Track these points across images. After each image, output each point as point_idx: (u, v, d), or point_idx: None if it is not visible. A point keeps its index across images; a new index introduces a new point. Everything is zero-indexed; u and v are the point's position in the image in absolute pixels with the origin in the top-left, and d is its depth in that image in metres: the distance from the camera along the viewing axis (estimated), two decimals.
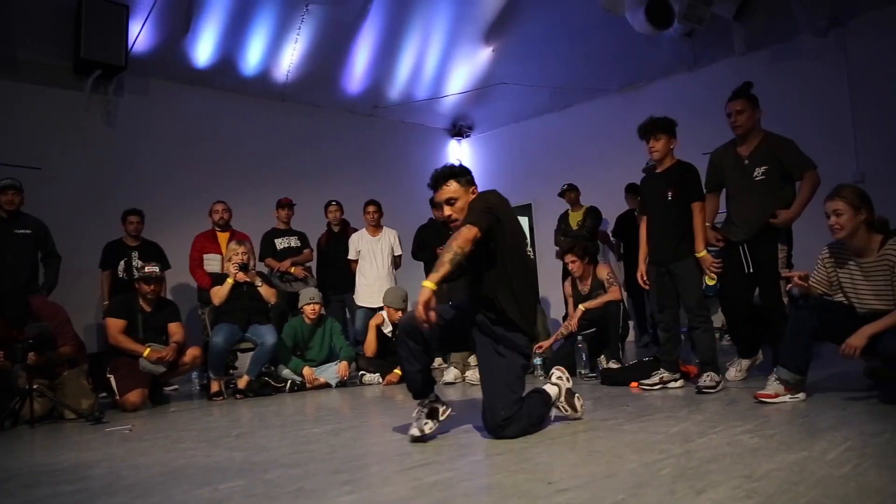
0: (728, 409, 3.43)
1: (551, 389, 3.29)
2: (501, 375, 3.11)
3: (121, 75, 7.68)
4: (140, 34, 7.56)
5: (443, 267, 2.86)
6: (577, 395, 3.38)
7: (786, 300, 4.15)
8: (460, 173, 3.18)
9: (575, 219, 7.77)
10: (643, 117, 4.48)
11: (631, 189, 7.83)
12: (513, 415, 2.98)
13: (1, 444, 3.94)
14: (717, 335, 5.42)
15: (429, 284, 2.84)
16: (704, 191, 4.37)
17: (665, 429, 2.94)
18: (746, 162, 4.38)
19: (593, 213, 7.80)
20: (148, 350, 5.21)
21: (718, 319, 7.36)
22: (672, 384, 4.37)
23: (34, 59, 7.25)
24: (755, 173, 4.33)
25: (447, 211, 3.14)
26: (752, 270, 4.37)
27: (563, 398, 3.32)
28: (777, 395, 3.45)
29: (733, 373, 4.49)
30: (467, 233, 2.93)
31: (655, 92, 8.87)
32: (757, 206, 4.32)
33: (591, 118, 9.61)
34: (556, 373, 3.44)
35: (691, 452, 2.47)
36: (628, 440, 2.78)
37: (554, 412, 3.36)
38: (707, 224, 4.41)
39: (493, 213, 3.04)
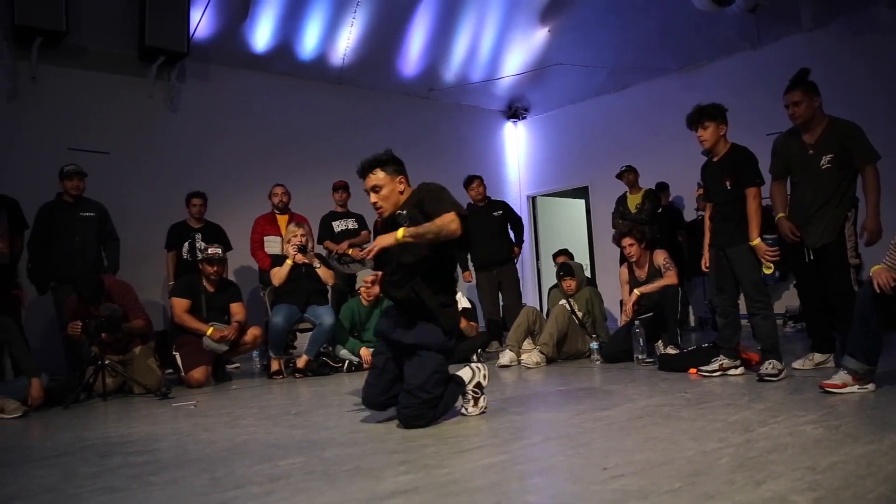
0: (791, 399, 3.34)
1: (465, 373, 3.34)
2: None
3: (183, 61, 7.87)
4: (201, 21, 7.72)
5: (421, 230, 3.00)
6: (484, 396, 3.38)
7: (856, 288, 4.02)
8: (387, 162, 3.29)
9: (633, 202, 7.66)
10: (704, 98, 4.37)
11: (468, 182, 7.51)
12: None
13: (77, 415, 4.15)
14: (778, 322, 5.27)
15: (400, 234, 3.01)
16: (762, 177, 4.23)
17: (724, 417, 2.89)
18: (811, 151, 4.24)
19: (653, 196, 7.68)
20: (211, 329, 5.37)
21: (781, 306, 7.19)
22: (732, 371, 4.28)
23: (101, 47, 7.48)
24: (821, 162, 4.19)
25: (372, 198, 3.25)
26: (812, 259, 4.25)
27: (471, 386, 3.32)
28: (844, 386, 3.33)
29: (801, 363, 4.35)
30: (452, 223, 3.00)
31: (717, 71, 8.62)
32: (822, 195, 4.19)
33: (650, 99, 9.41)
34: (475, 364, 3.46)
35: (751, 442, 2.42)
36: (686, 427, 2.74)
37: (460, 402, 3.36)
38: (781, 214, 4.32)
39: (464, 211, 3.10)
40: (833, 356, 4.33)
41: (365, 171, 3.29)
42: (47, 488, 2.35)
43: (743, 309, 4.31)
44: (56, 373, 5.24)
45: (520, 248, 7.56)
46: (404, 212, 3.17)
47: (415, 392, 3.05)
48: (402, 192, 3.28)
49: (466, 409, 3.30)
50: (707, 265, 4.46)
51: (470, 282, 7.33)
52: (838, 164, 4.14)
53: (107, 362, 4.73)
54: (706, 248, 4.48)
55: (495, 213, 7.34)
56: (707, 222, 4.48)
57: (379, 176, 3.25)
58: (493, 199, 7.65)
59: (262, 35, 8.36)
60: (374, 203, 3.26)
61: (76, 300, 5.03)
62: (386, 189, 3.25)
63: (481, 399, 3.34)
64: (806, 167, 4.26)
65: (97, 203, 6.03)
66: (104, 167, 7.02)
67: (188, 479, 2.34)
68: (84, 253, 5.76)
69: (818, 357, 4.35)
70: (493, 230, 7.26)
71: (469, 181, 7.37)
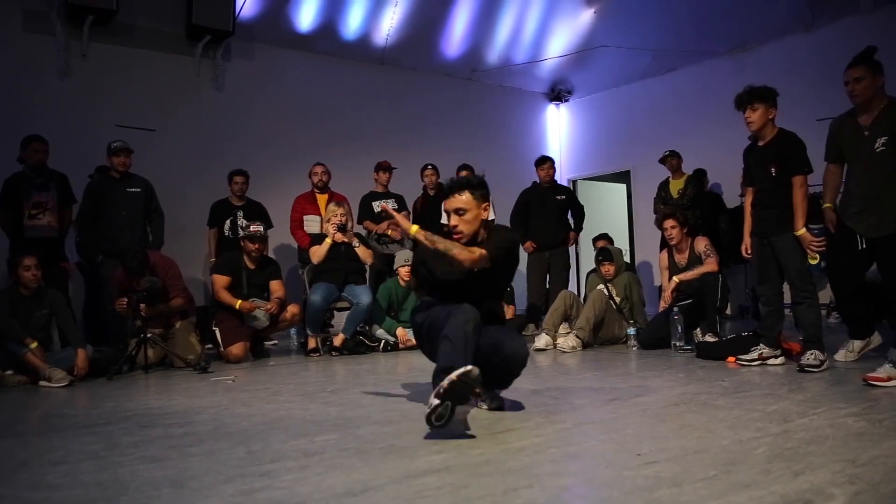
0: (832, 390, 3.27)
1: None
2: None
3: (228, 40, 7.96)
4: (247, 0, 7.77)
5: (442, 244, 2.97)
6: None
7: None
8: (478, 186, 3.09)
9: (676, 187, 7.54)
10: (754, 81, 4.25)
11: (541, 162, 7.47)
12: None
13: (119, 387, 4.27)
14: (823, 312, 5.14)
15: (414, 229, 3.01)
16: (810, 165, 4.10)
17: (762, 406, 2.84)
18: (867, 133, 4.03)
19: (695, 182, 7.54)
20: (239, 302, 5.47)
21: (825, 296, 7.01)
22: (772, 361, 4.19)
23: (149, 25, 7.60)
24: (876, 145, 4.00)
25: (454, 220, 3.06)
26: (864, 247, 4.10)
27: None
28: (889, 379, 3.24)
29: (843, 354, 4.25)
30: (480, 259, 2.97)
31: (767, 54, 8.38)
32: (876, 180, 4.00)
33: (697, 83, 9.20)
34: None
35: (790, 433, 2.38)
36: (722, 416, 2.71)
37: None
38: (828, 205, 4.19)
39: (513, 255, 3.18)
40: (872, 336, 4.24)
41: (452, 190, 3.08)
42: (91, 455, 2.42)
43: (787, 298, 4.22)
44: (99, 345, 5.38)
45: (577, 234, 7.53)
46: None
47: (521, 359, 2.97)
48: (484, 219, 3.12)
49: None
50: (748, 252, 4.37)
51: (530, 252, 7.28)
52: (894, 147, 3.94)
53: (149, 335, 4.85)
54: (746, 233, 4.37)
55: (558, 198, 7.33)
56: (748, 208, 4.36)
57: (465, 198, 3.05)
58: (558, 182, 7.62)
59: (306, 14, 8.40)
60: (455, 226, 3.05)
61: (122, 274, 5.16)
62: (470, 214, 3.05)
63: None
64: (860, 150, 4.07)
65: (143, 178, 6.14)
66: (150, 144, 7.15)
67: (225, 452, 2.39)
68: (131, 228, 5.87)
69: (857, 344, 4.25)
70: (553, 213, 7.25)
71: (541, 161, 7.40)
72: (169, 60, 7.74)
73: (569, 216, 7.43)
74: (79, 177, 5.99)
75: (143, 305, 4.86)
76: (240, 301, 5.48)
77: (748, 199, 4.39)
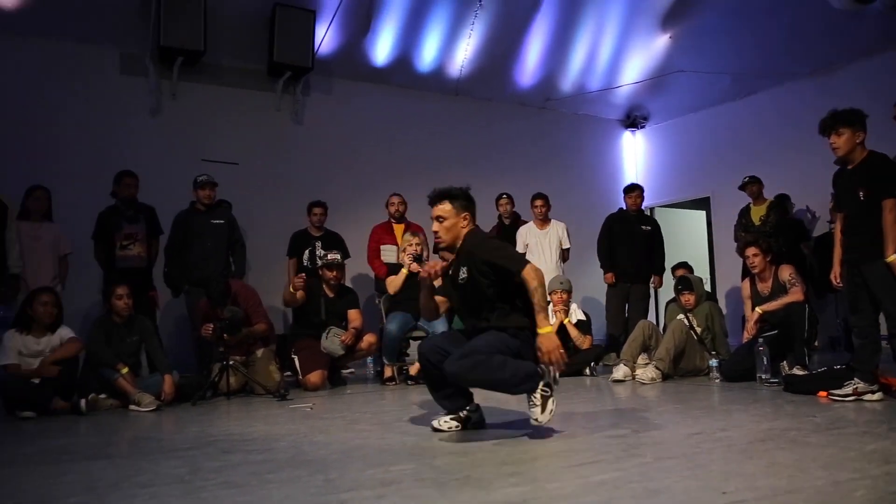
0: None
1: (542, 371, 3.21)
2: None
3: (307, 76, 8.20)
4: (325, 37, 8.03)
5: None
6: (553, 398, 3.18)
7: None
8: (458, 196, 3.39)
9: (757, 213, 7.30)
10: (838, 104, 4.10)
11: (630, 189, 7.35)
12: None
13: (203, 412, 4.40)
14: None
15: (546, 329, 3.10)
16: None
17: (859, 446, 2.68)
18: None
19: (778, 208, 7.29)
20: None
21: None
22: (868, 396, 3.96)
23: (234, 64, 7.94)
24: None
25: (434, 227, 3.39)
26: None
27: (541, 386, 3.14)
28: None
29: None
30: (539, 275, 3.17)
31: (854, 75, 8.03)
32: None
33: (778, 106, 8.91)
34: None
35: (892, 475, 2.24)
36: (815, 455, 2.57)
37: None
38: None
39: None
40: None
41: (434, 200, 3.42)
42: (177, 479, 2.50)
43: (883, 329, 4.00)
44: (184, 371, 5.57)
45: (661, 277, 7.38)
46: (464, 273, 3.31)
47: (468, 351, 3.08)
48: (464, 228, 3.39)
49: (535, 416, 3.11)
50: (838, 280, 4.17)
51: (610, 283, 7.19)
52: None
53: (231, 363, 4.99)
54: (836, 261, 4.19)
55: (644, 227, 7.23)
56: (837, 234, 4.18)
57: (446, 208, 3.37)
58: (644, 212, 7.53)
59: (382, 48, 8.60)
60: (435, 232, 3.40)
61: (206, 303, 5.34)
62: (449, 221, 3.36)
63: (550, 401, 3.15)
64: None
65: (227, 211, 6.37)
66: (233, 177, 7.42)
67: (304, 479, 2.42)
68: (215, 258, 6.08)
69: None
70: (639, 243, 7.16)
71: (630, 189, 7.38)
72: (252, 97, 8.05)
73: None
74: (168, 210, 6.26)
75: (225, 335, 5.01)
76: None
77: (838, 226, 4.22)
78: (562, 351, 3.08)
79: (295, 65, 7.90)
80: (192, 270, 5.98)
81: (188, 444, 3.21)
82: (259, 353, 5.38)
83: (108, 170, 6.18)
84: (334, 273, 5.77)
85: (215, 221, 6.17)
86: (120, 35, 7.33)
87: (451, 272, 3.42)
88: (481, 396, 3.42)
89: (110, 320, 4.92)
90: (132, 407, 4.53)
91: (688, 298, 5.74)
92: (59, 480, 2.58)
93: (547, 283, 6.49)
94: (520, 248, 7.06)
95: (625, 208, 7.38)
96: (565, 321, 6.16)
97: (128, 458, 3.05)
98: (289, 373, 5.75)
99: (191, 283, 5.96)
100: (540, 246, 7.02)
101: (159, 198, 6.36)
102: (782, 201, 7.64)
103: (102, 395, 4.59)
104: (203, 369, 5.43)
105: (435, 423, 3.35)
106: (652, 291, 10.13)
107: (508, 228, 7.36)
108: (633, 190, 7.32)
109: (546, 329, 3.08)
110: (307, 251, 6.92)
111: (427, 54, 8.87)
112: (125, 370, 4.65)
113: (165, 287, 6.27)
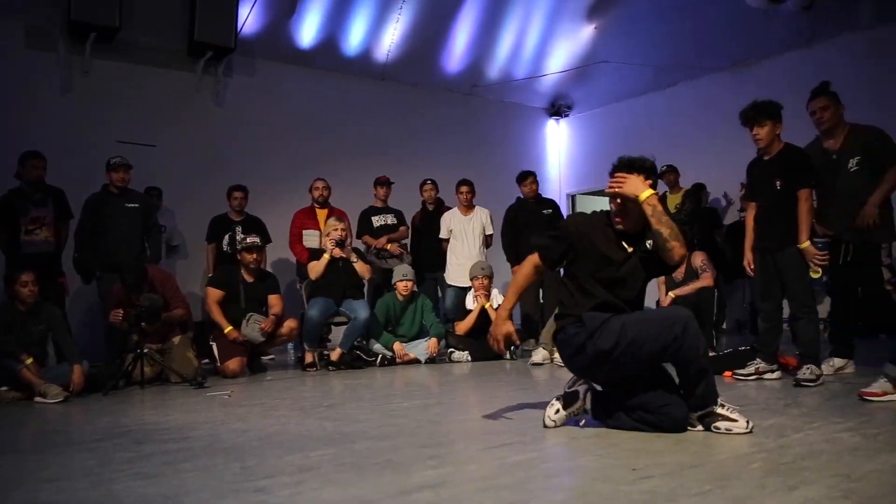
0: (828, 405, 3.27)
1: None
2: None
3: (230, 56, 8.00)
4: (249, 16, 7.83)
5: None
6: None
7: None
8: (651, 170, 2.96)
9: (673, 201, 7.55)
10: (755, 97, 4.28)
11: (523, 177, 7.37)
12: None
13: (115, 402, 4.25)
14: (821, 327, 5.16)
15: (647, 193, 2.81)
16: (817, 178, 4.17)
17: (758, 421, 2.82)
18: (835, 157, 4.32)
19: (693, 197, 7.55)
20: (229, 328, 5.46)
21: (823, 310, 7.00)
22: (769, 375, 4.19)
23: (152, 42, 7.64)
24: (849, 165, 4.26)
25: (618, 207, 2.90)
26: (849, 259, 4.26)
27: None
28: (884, 394, 3.24)
29: (825, 369, 4.27)
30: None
31: (768, 70, 8.38)
32: (850, 199, 4.24)
33: (697, 98, 9.22)
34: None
35: (785, 448, 2.37)
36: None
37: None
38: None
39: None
40: (851, 362, 4.39)
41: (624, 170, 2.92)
42: (86, 472, 2.41)
43: (786, 312, 4.22)
44: (95, 360, 5.37)
45: None
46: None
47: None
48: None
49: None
50: (751, 267, 4.37)
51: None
52: (864, 168, 4.25)
53: (146, 351, 4.84)
54: (748, 249, 4.38)
55: (545, 211, 7.29)
56: (750, 223, 4.38)
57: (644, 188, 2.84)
58: (542, 196, 7.60)
59: (308, 30, 8.45)
60: (620, 219, 2.89)
61: (121, 289, 5.16)
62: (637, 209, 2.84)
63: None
64: (830, 174, 4.32)
65: (141, 194, 6.15)
66: (150, 160, 7.17)
67: (220, 468, 2.38)
68: (129, 243, 5.87)
69: (838, 362, 4.36)
70: (541, 228, 7.21)
71: (524, 176, 7.32)
72: (170, 76, 7.78)
73: None
74: (79, 193, 5.99)
75: (143, 323, 4.86)
76: (229, 328, 5.47)
77: (750, 214, 4.41)
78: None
79: (217, 45, 7.68)
80: (104, 256, 5.76)
81: (99, 436, 3.10)
82: (176, 340, 5.24)
83: (14, 150, 5.84)
84: (254, 256, 5.68)
85: (129, 205, 5.95)
86: (25, 6, 6.95)
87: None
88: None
89: (13, 307, 4.68)
90: (37, 399, 4.32)
91: None
92: None
93: (469, 269, 6.59)
94: (443, 234, 7.08)
95: (522, 197, 7.34)
96: (486, 306, 6.24)
97: (32, 453, 2.92)
98: (206, 360, 5.63)
99: (103, 268, 5.74)
100: (464, 232, 7.05)
101: (70, 180, 6.09)
102: (697, 190, 7.91)
103: (4, 388, 4.37)
104: (114, 358, 5.25)
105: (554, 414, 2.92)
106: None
107: (432, 214, 7.38)
108: (527, 177, 7.27)
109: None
110: (227, 236, 6.78)
111: (354, 37, 8.78)
112: (29, 360, 4.42)
113: (75, 273, 6.02)
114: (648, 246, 2.83)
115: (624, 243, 2.88)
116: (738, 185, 6.91)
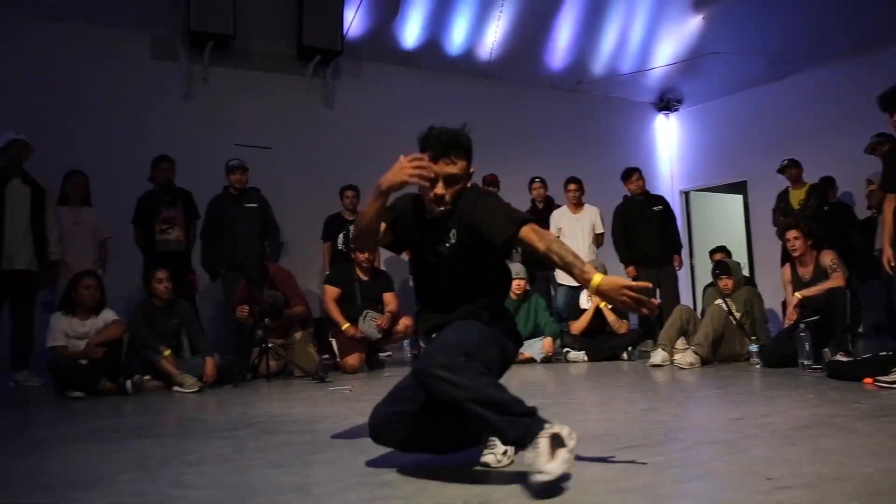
0: None
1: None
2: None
3: (337, 59, 8.22)
4: (354, 20, 8.03)
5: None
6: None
7: None
8: (470, 148, 2.49)
9: (796, 197, 7.16)
10: (879, 85, 4.01)
11: (628, 175, 7.10)
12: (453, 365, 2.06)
13: (244, 394, 4.49)
14: None
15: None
16: None
17: None
18: None
19: (818, 192, 7.13)
20: (347, 325, 5.60)
21: None
22: None
23: (263, 48, 7.96)
24: None
25: (440, 190, 2.43)
26: None
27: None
28: None
29: None
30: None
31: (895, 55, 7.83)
32: None
33: (816, 87, 8.72)
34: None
35: None
36: (862, 442, 2.52)
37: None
38: None
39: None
40: None
41: (448, 150, 2.45)
42: (223, 458, 2.55)
43: None
44: (224, 353, 5.65)
45: (680, 255, 7.30)
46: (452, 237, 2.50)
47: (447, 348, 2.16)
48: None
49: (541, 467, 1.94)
50: (892, 264, 4.08)
51: (632, 276, 7.14)
52: None
53: (270, 345, 5.06)
54: (887, 244, 4.09)
55: (654, 208, 7.12)
56: (888, 216, 4.09)
57: (460, 165, 2.44)
58: (651, 192, 7.42)
59: (411, 31, 8.58)
60: (441, 196, 2.44)
61: (244, 286, 5.42)
62: (460, 185, 2.47)
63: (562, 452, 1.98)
64: None
65: (259, 194, 6.42)
66: (266, 161, 7.47)
67: (346, 460, 2.45)
68: (248, 242, 6.15)
69: None
70: (653, 226, 7.05)
71: (629, 173, 7.20)
72: (282, 81, 8.08)
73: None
74: (202, 194, 6.32)
75: (266, 319, 5.08)
76: (347, 324, 5.61)
77: (888, 207, 4.11)
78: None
79: (324, 48, 7.93)
80: (227, 254, 6.05)
81: (232, 425, 3.27)
82: (297, 335, 5.46)
83: (143, 154, 6.27)
84: (366, 255, 5.80)
85: (248, 205, 6.23)
86: (151, 19, 7.41)
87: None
88: None
89: (151, 304, 5.02)
90: (176, 388, 4.63)
91: (726, 283, 5.68)
92: (110, 458, 2.65)
93: None
94: (553, 233, 7.02)
95: (629, 195, 7.21)
96: (602, 305, 6.12)
97: (174, 438, 3.12)
98: (327, 356, 5.81)
99: (227, 267, 6.03)
100: (573, 230, 6.97)
101: (195, 182, 6.44)
102: (823, 185, 7.48)
103: (147, 377, 4.70)
104: (241, 352, 5.52)
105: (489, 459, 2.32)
106: (688, 274, 10.01)
107: (542, 212, 7.33)
108: (632, 174, 7.14)
109: (597, 277, 2.31)
110: (341, 235, 6.97)
111: (456, 37, 8.84)
112: (167, 352, 4.75)
113: (204, 271, 6.36)
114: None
115: None
116: (864, 181, 6.48)
